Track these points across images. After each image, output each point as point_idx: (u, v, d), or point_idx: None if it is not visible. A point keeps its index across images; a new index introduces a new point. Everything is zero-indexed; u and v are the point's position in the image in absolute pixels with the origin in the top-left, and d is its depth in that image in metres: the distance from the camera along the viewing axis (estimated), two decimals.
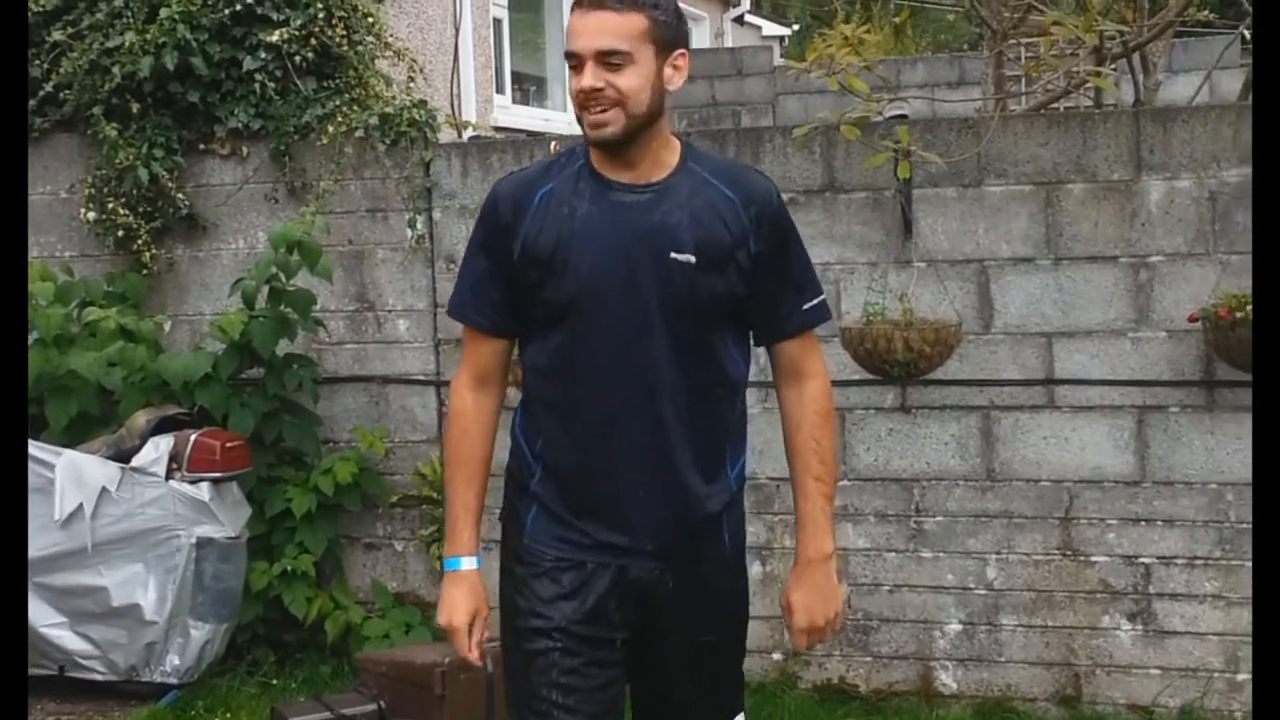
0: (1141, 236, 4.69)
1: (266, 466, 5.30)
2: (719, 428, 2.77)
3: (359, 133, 5.39)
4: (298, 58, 5.43)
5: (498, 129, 8.61)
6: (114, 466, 4.93)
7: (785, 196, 4.88)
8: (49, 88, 5.54)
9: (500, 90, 9.91)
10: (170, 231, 5.63)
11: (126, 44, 5.38)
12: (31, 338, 5.12)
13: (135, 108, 5.45)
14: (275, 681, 5.19)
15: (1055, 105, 5.76)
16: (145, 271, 5.59)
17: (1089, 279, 4.74)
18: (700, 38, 14.71)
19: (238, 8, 5.40)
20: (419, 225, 5.38)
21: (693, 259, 2.65)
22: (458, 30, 8.38)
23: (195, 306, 5.66)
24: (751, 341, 2.85)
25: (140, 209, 5.52)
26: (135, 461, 4.95)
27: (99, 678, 4.99)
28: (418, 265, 5.43)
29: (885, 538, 4.95)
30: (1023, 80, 6.97)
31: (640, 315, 2.65)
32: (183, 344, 5.59)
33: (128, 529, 4.89)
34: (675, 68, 2.68)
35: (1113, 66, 5.31)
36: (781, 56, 14.45)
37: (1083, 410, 4.77)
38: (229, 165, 5.61)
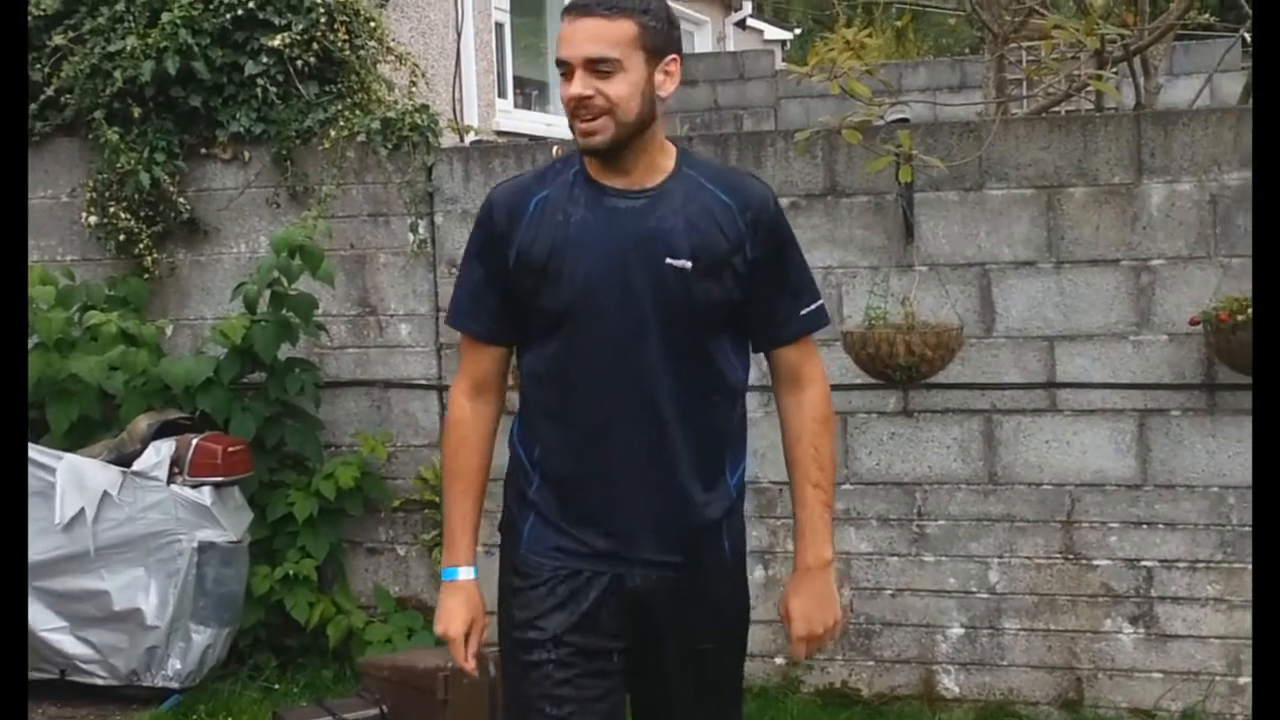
0: (1142, 240, 4.69)
1: (268, 471, 5.30)
2: (717, 434, 2.74)
3: (361, 137, 5.40)
4: (299, 62, 5.43)
5: (500, 133, 8.62)
6: (115, 471, 4.93)
7: (787, 200, 4.93)
8: (50, 92, 5.55)
9: (502, 94, 9.91)
10: (172, 236, 5.64)
11: (128, 48, 5.38)
12: (32, 342, 5.12)
13: (137, 112, 5.45)
14: (277, 686, 5.19)
15: (1056, 109, 5.77)
16: (147, 276, 5.60)
17: (1090, 282, 4.74)
18: (702, 42, 14.72)
19: (239, 12, 5.41)
20: (421, 230, 5.38)
21: (688, 264, 2.63)
22: (459, 35, 8.39)
23: (197, 311, 5.66)
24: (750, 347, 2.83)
25: (142, 213, 5.53)
26: (137, 466, 4.95)
27: (100, 682, 4.99)
28: (419, 270, 5.43)
29: (887, 542, 4.95)
30: (1024, 84, 6.98)
31: (636, 321, 2.63)
32: (184, 348, 5.59)
33: (129, 533, 4.89)
34: (667, 73, 2.65)
35: (1114, 70, 5.32)
36: (783, 61, 14.47)
37: (1084, 414, 4.76)
38: (231, 170, 5.62)
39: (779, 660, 5.01)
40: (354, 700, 4.63)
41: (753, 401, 3.19)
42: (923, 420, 4.91)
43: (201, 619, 4.97)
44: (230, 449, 5.04)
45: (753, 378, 2.86)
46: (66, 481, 4.85)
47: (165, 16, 5.36)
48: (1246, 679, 4.60)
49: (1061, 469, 4.79)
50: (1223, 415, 4.64)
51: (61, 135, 5.72)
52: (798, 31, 19.03)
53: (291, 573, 5.22)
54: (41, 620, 4.89)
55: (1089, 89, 5.67)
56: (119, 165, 5.42)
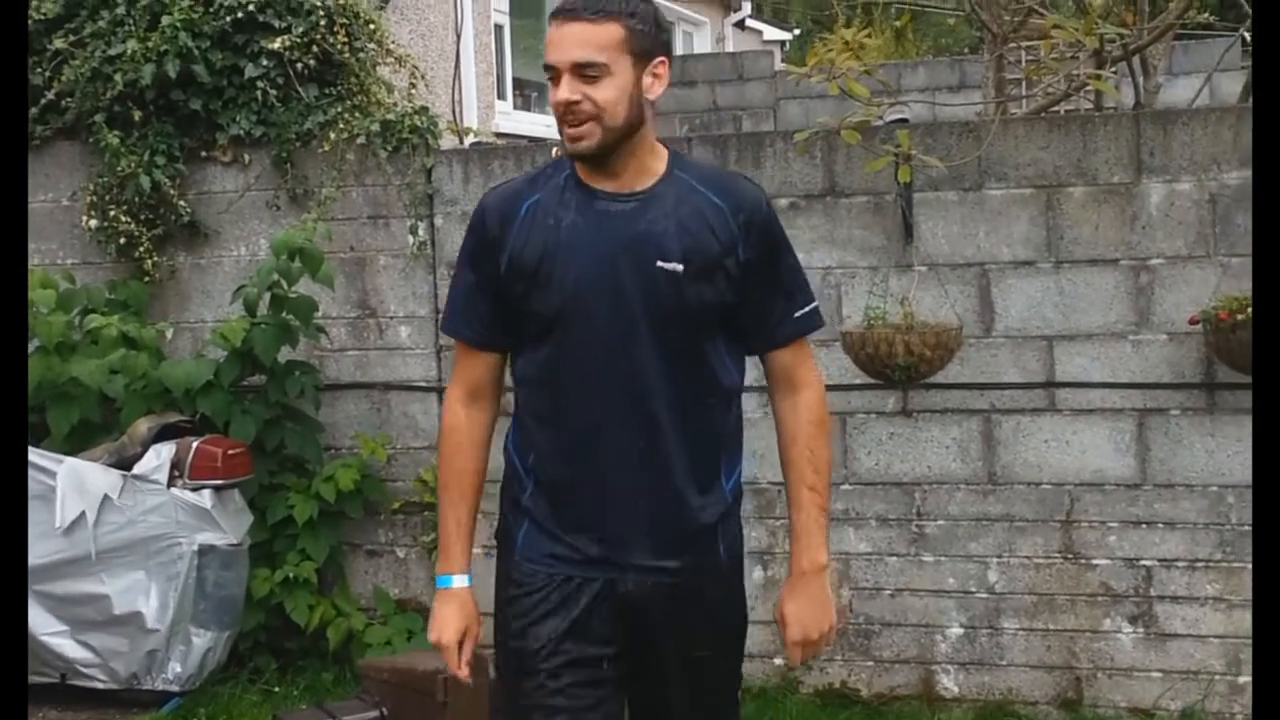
0: (1142, 239, 4.70)
1: (268, 473, 5.31)
2: (712, 437, 2.73)
3: (361, 139, 5.40)
4: (299, 65, 5.44)
5: (499, 135, 8.63)
6: (116, 474, 4.93)
7: (786, 201, 4.94)
8: (50, 95, 5.55)
9: (502, 96, 9.93)
10: (172, 239, 5.64)
11: (128, 51, 5.39)
12: (33, 345, 5.12)
13: (137, 115, 5.46)
14: (277, 689, 5.20)
15: (1055, 108, 5.76)
16: (147, 279, 5.60)
17: (1089, 282, 4.74)
18: (701, 43, 14.74)
19: (239, 15, 5.41)
20: (421, 232, 5.38)
21: (680, 267, 2.62)
22: (459, 37, 8.40)
23: (197, 314, 5.67)
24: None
25: (142, 216, 5.53)
26: (137, 469, 4.95)
27: (100, 686, 4.99)
28: (419, 271, 5.43)
29: (886, 542, 4.95)
30: (1023, 84, 6.98)
31: (627, 324, 2.62)
32: (184, 351, 5.59)
33: (129, 537, 4.89)
34: (655, 76, 2.64)
35: (1113, 69, 5.31)
36: (782, 61, 14.47)
37: (1083, 413, 4.77)
38: (231, 172, 5.62)
39: (778, 661, 5.01)
40: (354, 703, 4.64)
41: (751, 402, 3.18)
42: (922, 420, 4.91)
43: (202, 622, 4.97)
44: (230, 452, 5.04)
45: (750, 379, 2.84)
46: (67, 485, 4.86)
47: (165, 20, 5.37)
48: (1246, 678, 4.60)
49: (1061, 469, 4.79)
50: (1222, 415, 4.64)
51: (62, 139, 5.72)
52: (797, 32, 19.03)
53: (291, 575, 5.22)
54: (42, 624, 4.89)
55: (1088, 89, 5.67)
56: (119, 168, 5.42)
